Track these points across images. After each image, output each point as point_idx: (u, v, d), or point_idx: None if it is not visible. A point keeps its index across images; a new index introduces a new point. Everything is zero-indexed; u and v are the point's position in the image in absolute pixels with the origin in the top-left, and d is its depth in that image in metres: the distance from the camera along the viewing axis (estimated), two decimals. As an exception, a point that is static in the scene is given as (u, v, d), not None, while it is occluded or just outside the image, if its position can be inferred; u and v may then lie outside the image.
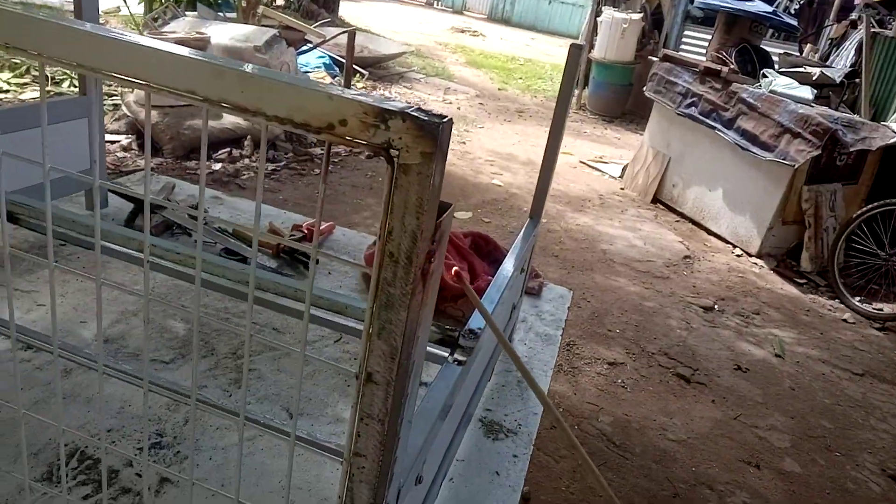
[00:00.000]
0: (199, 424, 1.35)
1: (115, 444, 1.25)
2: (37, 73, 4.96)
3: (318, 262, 2.11)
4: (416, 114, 0.52)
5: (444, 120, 0.53)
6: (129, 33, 0.54)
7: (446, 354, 1.19)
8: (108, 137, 4.55)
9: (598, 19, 8.59)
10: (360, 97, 0.52)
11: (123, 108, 4.79)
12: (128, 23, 7.65)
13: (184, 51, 0.53)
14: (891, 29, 5.12)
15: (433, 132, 0.52)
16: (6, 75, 5.11)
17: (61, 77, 5.29)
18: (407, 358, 0.61)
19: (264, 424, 1.19)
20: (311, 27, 7.42)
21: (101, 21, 7.68)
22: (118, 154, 4.43)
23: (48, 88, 4.99)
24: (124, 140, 4.59)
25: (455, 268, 1.42)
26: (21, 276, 1.74)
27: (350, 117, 0.52)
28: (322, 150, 4.56)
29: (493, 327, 0.90)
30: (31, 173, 1.86)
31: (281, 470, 1.25)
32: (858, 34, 5.24)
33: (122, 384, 1.36)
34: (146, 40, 0.54)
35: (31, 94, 4.95)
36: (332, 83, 6.35)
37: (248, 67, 0.53)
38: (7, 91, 4.99)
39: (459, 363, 1.07)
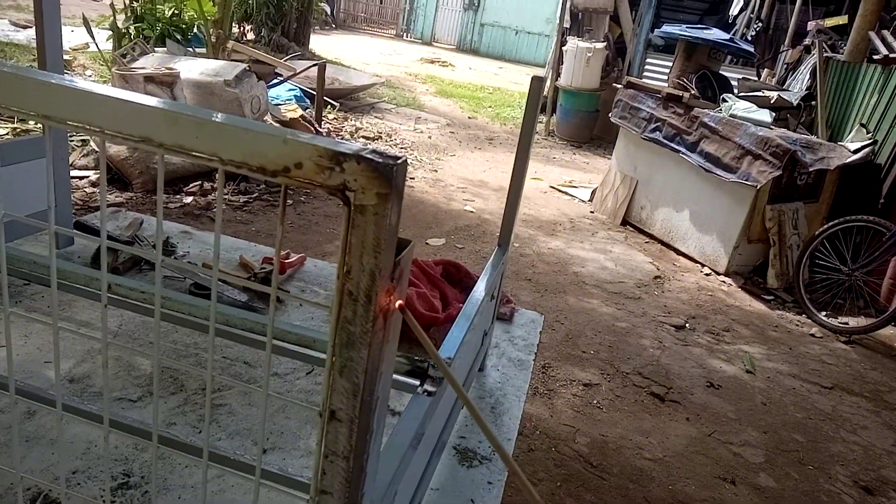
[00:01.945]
0: (167, 462, 1.33)
1: (81, 486, 1.22)
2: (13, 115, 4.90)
3: (280, 300, 2.10)
4: (370, 156, 0.54)
5: (399, 161, 0.54)
6: (80, 80, 0.55)
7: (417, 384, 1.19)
8: (76, 173, 4.50)
9: (564, 48, 8.79)
10: (314, 140, 0.54)
11: (91, 143, 4.76)
12: (96, 59, 7.61)
13: (138, 98, 0.54)
14: (842, 53, 5.32)
15: (388, 173, 0.53)
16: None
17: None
18: (370, 395, 0.61)
19: (230, 461, 1.18)
20: (282, 60, 7.47)
21: (68, 57, 7.61)
22: (87, 189, 4.38)
23: (15, 126, 4.93)
24: (93, 175, 4.55)
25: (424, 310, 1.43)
26: (-17, 318, 1.70)
27: (305, 160, 0.54)
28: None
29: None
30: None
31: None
32: (812, 59, 5.44)
33: (89, 424, 1.33)
34: (99, 87, 0.54)
35: (-4, 131, 4.88)
36: (303, 115, 6.37)
37: (203, 113, 0.54)
38: (-30, 129, 4.92)
39: (429, 394, 1.08)
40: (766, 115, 4.86)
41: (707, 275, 4.91)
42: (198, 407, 1.55)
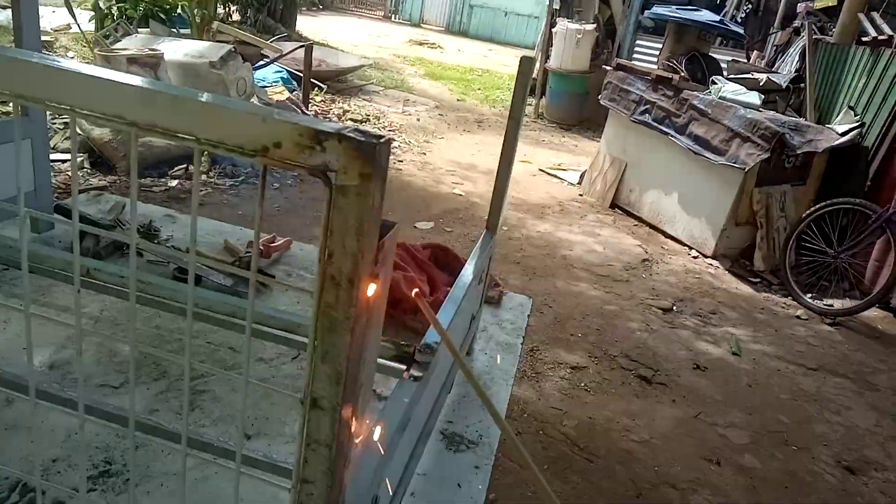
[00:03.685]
0: (150, 450, 1.31)
1: (61, 474, 1.21)
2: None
3: (265, 284, 2.08)
4: (352, 134, 0.52)
5: (382, 140, 0.52)
6: (51, 56, 0.52)
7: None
8: (58, 156, 4.42)
9: (553, 30, 8.72)
10: (294, 119, 0.52)
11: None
12: (79, 40, 7.46)
13: (109, 74, 0.52)
14: (831, 35, 5.31)
15: (370, 153, 0.51)
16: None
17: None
18: (353, 382, 0.60)
19: (212, 448, 1.17)
20: (268, 42, 7.35)
21: (49, 38, 7.45)
22: (68, 173, 4.31)
23: (-7, 107, 4.83)
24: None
25: (416, 289, 1.42)
26: (-38, 303, 1.67)
27: (285, 140, 0.52)
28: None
29: (450, 345, 0.90)
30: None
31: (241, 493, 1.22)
32: (802, 41, 5.43)
33: (69, 412, 1.31)
34: (71, 64, 0.52)
35: (-26, 112, 4.79)
36: (290, 97, 6.30)
37: (179, 90, 0.52)
38: (-52, 111, 4.82)
39: (415, 379, 1.07)
40: (755, 98, 4.85)
41: (695, 258, 4.93)
42: (181, 393, 1.54)
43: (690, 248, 5.04)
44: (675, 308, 4.08)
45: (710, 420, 3.01)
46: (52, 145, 4.35)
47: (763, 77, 5.21)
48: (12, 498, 1.10)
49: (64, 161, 4.41)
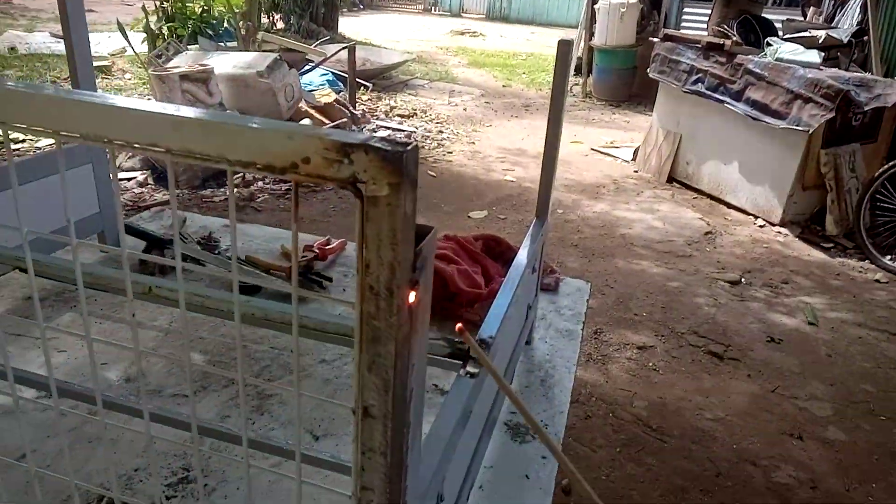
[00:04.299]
0: (226, 455, 1.36)
1: (143, 483, 1.26)
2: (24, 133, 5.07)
3: (322, 286, 2.11)
4: (378, 144, 0.51)
5: (408, 148, 0.52)
6: (86, 93, 0.54)
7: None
8: (123, 175, 4.63)
9: (596, 6, 8.52)
10: (320, 133, 0.52)
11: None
12: (133, 62, 7.77)
13: (141, 105, 0.53)
14: (895, -21, 4.99)
15: (398, 162, 0.51)
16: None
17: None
18: (402, 389, 0.60)
19: (282, 451, 1.20)
20: (311, 46, 7.47)
21: (107, 63, 7.77)
22: (135, 190, 4.50)
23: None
24: (140, 176, 4.67)
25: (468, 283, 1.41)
26: (45, 320, 1.76)
27: (312, 154, 0.52)
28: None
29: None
30: (42, 223, 1.90)
31: (309, 494, 1.25)
32: (862, -11, 5.12)
33: (146, 423, 1.37)
34: (104, 98, 0.54)
35: (46, 141, 5.05)
36: (337, 98, 6.38)
37: (206, 115, 0.52)
38: (23, 140, 5.10)
39: (472, 376, 1.06)
40: (814, 56, 4.61)
41: (761, 226, 4.74)
42: (249, 398, 1.58)
43: (756, 217, 4.85)
44: (743, 280, 3.94)
45: (789, 393, 2.90)
46: (117, 164, 4.55)
47: (822, 34, 4.94)
48: (98, 510, 1.16)
49: (129, 179, 4.60)
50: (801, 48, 4.70)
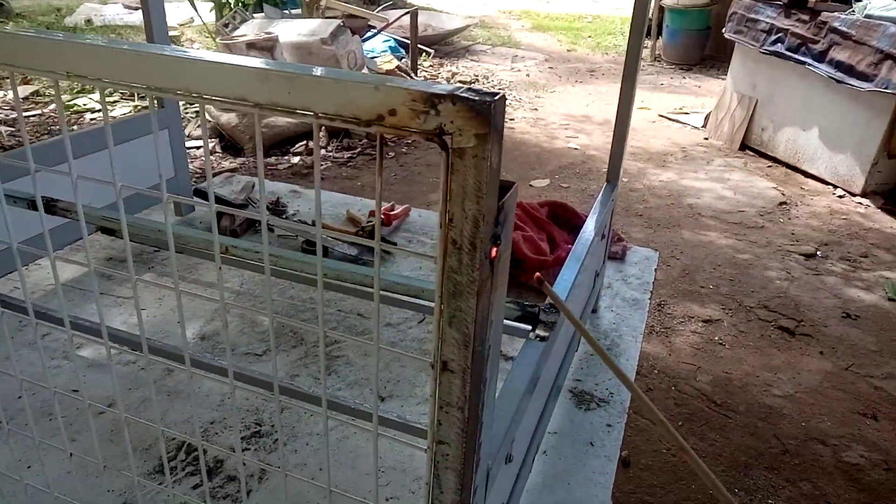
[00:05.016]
0: (294, 412, 1.40)
1: (218, 435, 1.32)
2: (122, 92, 5.25)
3: (387, 252, 2.13)
4: (466, 94, 0.50)
5: (496, 98, 0.50)
6: (178, 48, 0.55)
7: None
8: (191, 143, 4.77)
9: (667, -38, 8.14)
10: (406, 84, 0.51)
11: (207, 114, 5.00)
12: (202, 32, 7.94)
13: (230, 58, 0.53)
14: None
15: (485, 112, 0.50)
16: (97, 96, 5.43)
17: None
18: (481, 344, 0.60)
19: (350, 410, 1.22)
20: (374, 12, 7.44)
21: (176, 33, 7.99)
22: (203, 158, 4.63)
23: (136, 104, 5.27)
24: (209, 144, 4.80)
25: (536, 255, 1.40)
26: (121, 283, 1.86)
27: (399, 106, 0.51)
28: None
29: (569, 315, 0.88)
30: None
31: (371, 453, 1.28)
32: (965, -62, 4.70)
33: (221, 379, 1.43)
34: (193, 53, 0.54)
35: (120, 110, 5.24)
36: (399, 66, 6.36)
37: (293, 67, 0.52)
38: (100, 110, 5.31)
39: (542, 339, 1.06)
40: (908, 12, 4.29)
41: (840, 197, 4.50)
42: (318, 359, 1.62)
43: (835, 187, 4.61)
44: (819, 253, 3.76)
45: (864, 372, 2.78)
46: (186, 133, 4.69)
47: (918, -13, 4.58)
48: (179, 457, 1.22)
49: (198, 147, 4.74)
50: (895, 3, 4.38)
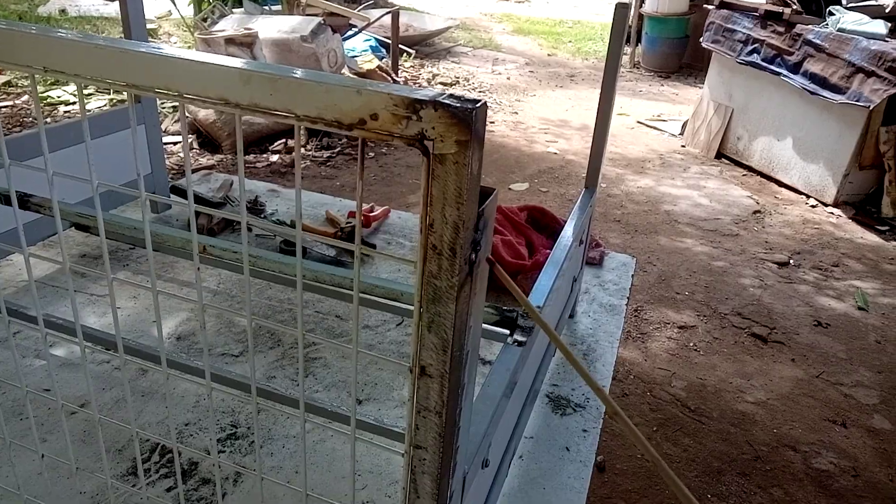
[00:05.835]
0: (270, 414, 1.39)
1: (193, 437, 1.31)
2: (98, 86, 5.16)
3: (366, 254, 2.12)
4: (447, 101, 0.50)
5: (478, 105, 0.51)
6: (157, 45, 0.54)
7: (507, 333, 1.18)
8: (169, 139, 4.71)
9: (648, -29, 8.23)
10: (389, 89, 0.51)
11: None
12: (179, 25, 7.84)
13: (213, 59, 0.53)
14: (973, -53, 4.69)
15: (467, 119, 0.50)
16: (71, 88, 5.33)
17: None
18: (460, 350, 0.60)
19: (327, 412, 1.22)
20: (355, 11, 7.42)
21: (153, 26, 7.88)
22: (181, 154, 4.57)
23: (112, 97, 5.18)
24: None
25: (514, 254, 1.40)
26: (95, 281, 1.83)
27: (381, 111, 0.51)
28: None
29: (541, 324, 0.88)
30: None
31: (349, 456, 1.27)
32: (936, -43, 4.83)
33: (197, 380, 1.41)
34: (177, 52, 0.54)
35: (95, 103, 5.16)
36: (379, 65, 6.35)
37: (276, 69, 0.52)
38: (74, 103, 5.22)
39: (519, 344, 1.06)
40: (880, 27, 4.38)
41: (813, 206, 4.59)
42: (295, 361, 1.61)
43: (808, 197, 4.69)
44: (791, 261, 3.83)
45: (834, 380, 2.83)
46: (163, 129, 4.63)
47: (889, 2, 4.69)
48: (153, 458, 1.20)
49: (175, 143, 4.68)
50: (866, 18, 4.48)
